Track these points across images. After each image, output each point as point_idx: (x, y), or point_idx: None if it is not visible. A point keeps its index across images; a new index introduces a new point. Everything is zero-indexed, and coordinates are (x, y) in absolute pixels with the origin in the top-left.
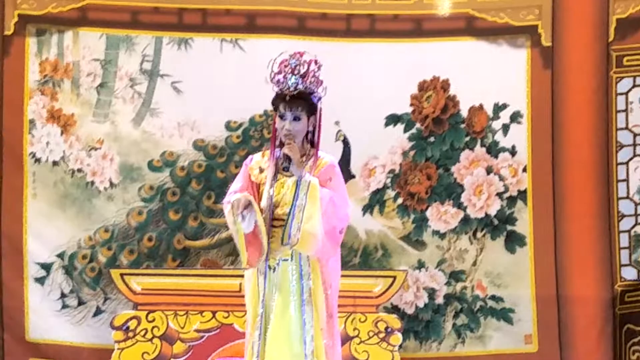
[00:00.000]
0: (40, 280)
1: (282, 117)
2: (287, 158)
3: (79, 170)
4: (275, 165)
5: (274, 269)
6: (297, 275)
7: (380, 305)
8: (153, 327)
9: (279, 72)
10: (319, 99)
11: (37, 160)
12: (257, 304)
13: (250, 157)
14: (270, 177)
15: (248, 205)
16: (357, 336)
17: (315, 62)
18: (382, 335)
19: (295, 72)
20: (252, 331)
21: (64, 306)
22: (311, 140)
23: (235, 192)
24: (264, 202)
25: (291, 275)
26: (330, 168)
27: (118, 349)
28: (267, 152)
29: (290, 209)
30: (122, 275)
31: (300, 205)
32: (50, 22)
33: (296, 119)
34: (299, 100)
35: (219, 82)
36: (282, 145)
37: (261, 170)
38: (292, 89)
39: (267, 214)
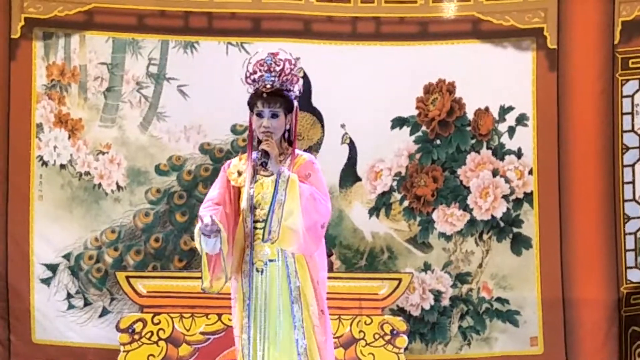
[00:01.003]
0: (46, 281)
1: (259, 114)
2: (266, 154)
3: (87, 174)
4: (253, 166)
5: (262, 271)
6: (284, 275)
7: (386, 308)
8: (159, 330)
9: (254, 72)
10: (296, 97)
11: (45, 163)
12: (242, 307)
13: (228, 162)
14: (249, 178)
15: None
16: (362, 339)
17: (290, 61)
18: (387, 337)
19: (271, 69)
20: (241, 334)
21: (70, 307)
22: (288, 139)
23: (211, 201)
24: (244, 204)
25: (278, 276)
26: (309, 164)
27: (124, 351)
28: (244, 155)
29: (270, 206)
30: (127, 277)
31: (279, 201)
32: (56, 26)
33: (274, 116)
34: (277, 97)
35: (224, 86)
36: (259, 144)
37: (239, 174)
38: (268, 86)
39: (247, 215)
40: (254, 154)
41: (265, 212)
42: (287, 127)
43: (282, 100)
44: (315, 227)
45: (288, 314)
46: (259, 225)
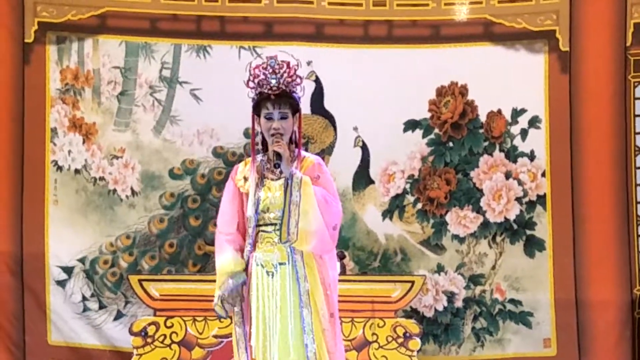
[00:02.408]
0: (62, 284)
1: (268, 116)
2: (277, 155)
3: (101, 179)
4: (259, 170)
5: (272, 274)
6: (294, 278)
7: (399, 310)
8: (171, 333)
9: (257, 76)
10: (299, 98)
11: (59, 168)
12: (255, 309)
13: (235, 167)
14: (254, 182)
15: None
16: (375, 341)
17: (290, 63)
18: (400, 340)
19: (275, 71)
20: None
21: (85, 309)
22: (294, 141)
23: (225, 221)
24: (249, 210)
25: (289, 279)
26: (317, 166)
27: (137, 354)
28: (250, 159)
29: (284, 207)
30: (140, 281)
31: (294, 202)
32: (70, 30)
33: (283, 117)
34: (285, 98)
35: (237, 89)
36: (264, 147)
37: (246, 179)
38: (275, 88)
39: (253, 219)
40: (259, 157)
41: (277, 215)
42: (296, 128)
43: (289, 102)
44: (329, 227)
45: (298, 318)
46: (268, 228)
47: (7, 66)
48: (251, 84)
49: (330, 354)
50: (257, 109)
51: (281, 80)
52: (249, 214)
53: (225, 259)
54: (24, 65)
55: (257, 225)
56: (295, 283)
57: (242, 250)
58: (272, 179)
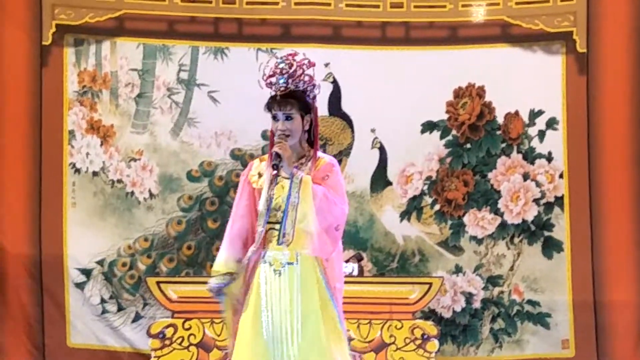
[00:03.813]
0: (80, 286)
1: (274, 117)
2: (278, 156)
3: (119, 181)
4: (273, 167)
5: (280, 273)
6: (302, 279)
7: (417, 312)
8: (189, 335)
9: (272, 75)
10: (314, 97)
11: (77, 171)
12: (258, 307)
13: (250, 163)
14: (268, 180)
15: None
16: (393, 343)
17: (301, 62)
18: (418, 342)
19: (283, 72)
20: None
21: (104, 311)
22: (310, 141)
23: (233, 221)
24: (261, 206)
25: (296, 279)
26: (328, 166)
27: (155, 357)
28: (266, 156)
29: (284, 208)
30: (158, 283)
31: (293, 203)
32: (87, 32)
33: (288, 118)
34: (290, 99)
35: (255, 91)
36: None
37: (260, 175)
38: (282, 88)
39: (263, 217)
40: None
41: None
42: (306, 128)
43: (296, 102)
44: (329, 229)
45: (305, 319)
46: (276, 227)
47: (25, 68)
48: (266, 84)
49: (334, 354)
50: (268, 109)
51: (290, 80)
52: (260, 209)
53: (218, 259)
54: (42, 67)
55: (269, 222)
56: (304, 283)
57: (243, 249)
58: (285, 178)
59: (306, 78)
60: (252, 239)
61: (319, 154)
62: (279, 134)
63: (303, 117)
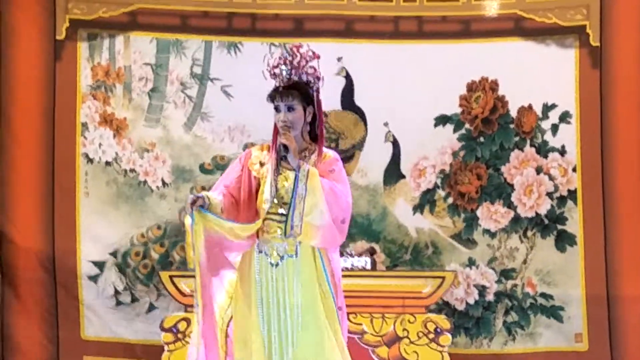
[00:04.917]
0: (94, 278)
1: (276, 109)
2: (285, 148)
3: (132, 171)
4: (277, 158)
5: (277, 265)
6: (301, 271)
7: (430, 306)
8: None
9: (276, 66)
10: (317, 89)
11: (90, 161)
12: (252, 300)
13: (248, 150)
14: (272, 170)
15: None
16: (406, 337)
17: (305, 53)
18: (431, 335)
19: (287, 62)
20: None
21: (118, 303)
22: (313, 133)
23: (221, 185)
24: (266, 195)
25: (295, 271)
26: (333, 161)
27: (168, 350)
28: (266, 145)
29: (291, 200)
30: (171, 277)
31: (300, 195)
32: (101, 27)
33: (290, 109)
34: (291, 90)
35: (268, 86)
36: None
37: (262, 165)
38: (285, 80)
39: (268, 207)
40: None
41: (287, 207)
42: (308, 120)
43: (298, 93)
44: (336, 222)
45: (304, 311)
46: (276, 218)
47: (38, 63)
48: (270, 75)
49: (334, 347)
50: (271, 100)
51: (293, 72)
52: (265, 197)
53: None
54: (56, 62)
55: (267, 213)
56: (303, 275)
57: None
58: (288, 169)
59: (310, 70)
60: (231, 211)
61: (324, 149)
62: (281, 125)
63: (305, 108)
